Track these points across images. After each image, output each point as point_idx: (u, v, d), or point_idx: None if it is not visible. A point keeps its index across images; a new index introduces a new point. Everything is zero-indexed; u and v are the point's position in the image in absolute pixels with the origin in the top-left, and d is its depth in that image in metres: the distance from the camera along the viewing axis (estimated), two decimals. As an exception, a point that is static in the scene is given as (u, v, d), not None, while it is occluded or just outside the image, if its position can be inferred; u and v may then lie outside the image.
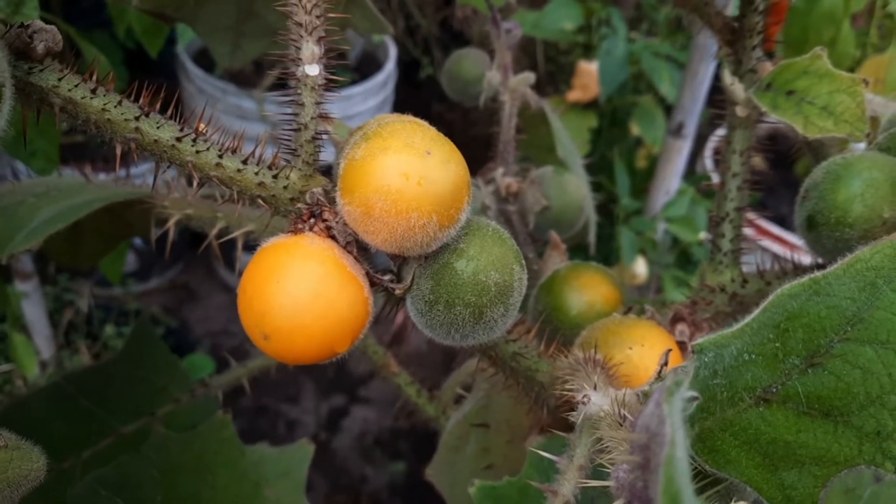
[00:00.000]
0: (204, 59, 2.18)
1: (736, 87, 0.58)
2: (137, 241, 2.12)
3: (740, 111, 0.58)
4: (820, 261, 0.55)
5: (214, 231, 0.58)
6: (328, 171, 0.46)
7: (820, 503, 0.31)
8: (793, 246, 1.96)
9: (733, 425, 0.32)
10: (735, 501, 0.30)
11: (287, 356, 0.41)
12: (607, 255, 1.73)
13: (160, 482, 0.63)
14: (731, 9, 0.67)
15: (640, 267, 1.57)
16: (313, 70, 0.43)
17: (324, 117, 0.44)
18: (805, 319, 0.31)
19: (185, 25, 1.72)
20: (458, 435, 0.65)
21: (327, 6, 0.44)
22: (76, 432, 0.70)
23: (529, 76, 0.81)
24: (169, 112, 0.41)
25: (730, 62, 0.61)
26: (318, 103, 0.44)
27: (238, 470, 0.62)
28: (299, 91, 0.43)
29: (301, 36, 0.43)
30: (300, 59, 0.43)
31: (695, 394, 0.27)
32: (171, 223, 0.60)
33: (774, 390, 0.32)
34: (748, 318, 0.32)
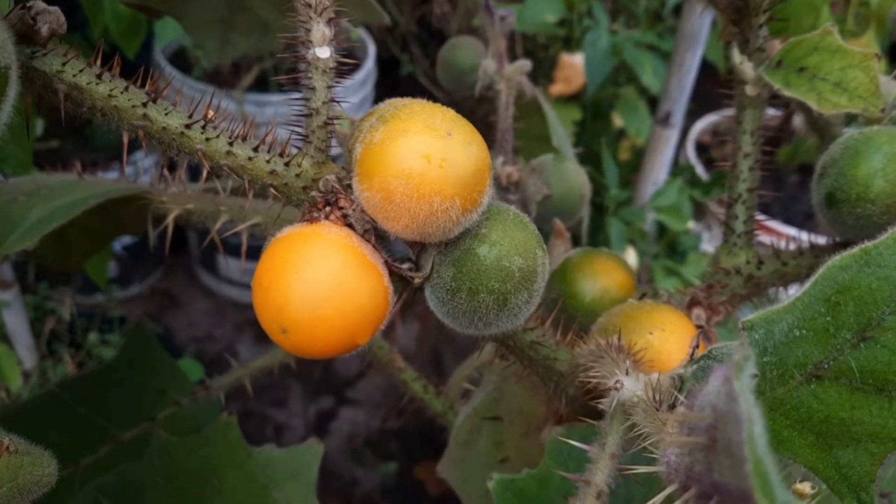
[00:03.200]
0: (180, 60, 2.15)
1: (745, 65, 0.57)
2: (117, 247, 2.08)
3: (750, 90, 0.57)
4: (838, 239, 0.54)
5: (218, 225, 0.56)
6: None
7: (878, 481, 0.30)
8: (778, 233, 1.97)
9: (784, 404, 0.31)
10: (800, 482, 0.29)
11: (307, 350, 0.40)
12: (596, 246, 1.72)
13: (164, 488, 0.61)
14: None
15: (630, 257, 1.56)
16: (324, 52, 0.41)
17: (336, 101, 0.42)
18: (856, 292, 0.30)
19: (163, 26, 1.69)
20: (470, 429, 0.63)
21: (335, -13, 0.42)
22: (74, 440, 0.68)
23: (526, 64, 0.80)
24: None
25: (736, 41, 0.60)
26: (329, 87, 0.42)
27: (245, 473, 0.60)
28: (310, 75, 0.42)
29: (311, 17, 0.41)
30: (310, 41, 0.41)
31: (756, 372, 0.26)
32: (170, 218, 0.58)
33: (826, 366, 0.31)
34: (799, 292, 0.31)
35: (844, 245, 0.54)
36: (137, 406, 0.69)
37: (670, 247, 1.79)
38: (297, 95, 0.42)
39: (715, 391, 0.25)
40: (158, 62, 2.08)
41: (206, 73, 2.10)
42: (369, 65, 2.20)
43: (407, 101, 0.45)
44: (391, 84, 2.65)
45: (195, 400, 0.69)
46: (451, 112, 0.40)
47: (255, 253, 0.64)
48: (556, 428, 0.55)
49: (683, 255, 1.79)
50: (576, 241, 1.09)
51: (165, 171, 0.59)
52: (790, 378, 0.31)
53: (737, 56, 0.58)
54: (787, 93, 0.54)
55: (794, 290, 0.58)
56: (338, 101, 0.43)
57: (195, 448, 0.61)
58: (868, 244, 0.31)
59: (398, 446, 2.17)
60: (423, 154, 0.37)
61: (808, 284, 0.31)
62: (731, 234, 0.58)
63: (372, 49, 2.26)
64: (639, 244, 1.62)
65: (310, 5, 0.41)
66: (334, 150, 0.47)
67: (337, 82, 0.42)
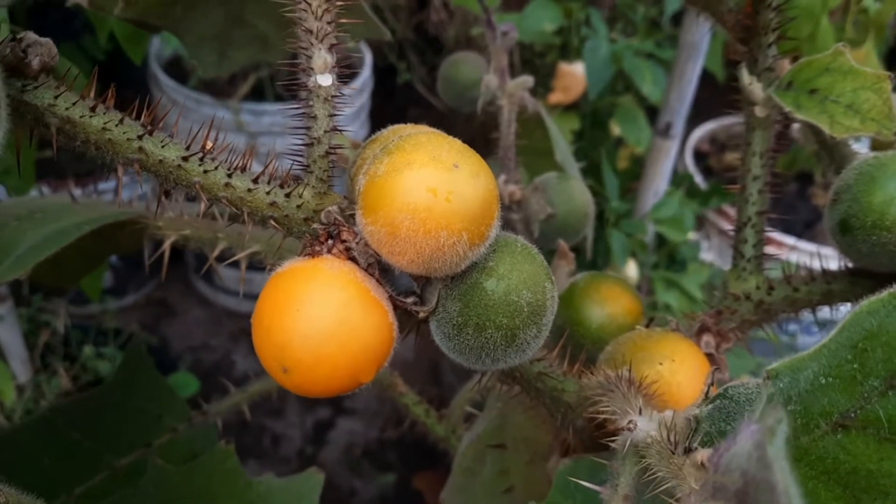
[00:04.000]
0: (176, 70, 2.13)
1: (754, 86, 0.56)
2: (112, 257, 2.07)
3: (759, 111, 0.56)
4: (851, 265, 0.53)
5: (216, 253, 0.55)
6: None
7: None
8: (777, 243, 1.96)
9: (809, 454, 0.30)
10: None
11: (309, 389, 0.38)
12: (594, 258, 1.71)
13: (160, 518, 0.59)
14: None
15: (631, 270, 1.55)
16: (326, 80, 0.40)
17: (338, 130, 0.41)
18: (884, 338, 0.29)
19: (169, 36, 1.67)
20: (473, 457, 0.62)
21: (338, 11, 0.41)
22: (67, 467, 0.66)
23: (528, 79, 0.79)
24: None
25: (745, 61, 0.58)
26: (331, 115, 0.41)
27: (244, 503, 0.59)
28: (311, 103, 0.40)
29: (312, 43, 0.40)
30: (311, 68, 0.40)
31: (787, 430, 0.25)
32: (166, 245, 0.56)
33: (853, 415, 0.30)
34: (825, 339, 0.30)
35: (857, 272, 0.53)
36: (133, 432, 0.67)
37: (670, 257, 1.78)
38: (298, 123, 0.41)
39: (745, 454, 0.23)
40: (154, 72, 2.06)
41: (201, 82, 2.09)
42: (366, 73, 2.19)
43: (411, 128, 0.44)
44: (388, 92, 2.64)
45: (192, 426, 0.67)
46: (457, 142, 0.39)
47: (252, 264, 0.63)
48: (563, 459, 0.53)
49: (683, 265, 1.78)
50: (579, 255, 1.07)
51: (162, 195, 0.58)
52: (815, 427, 0.30)
53: (746, 77, 0.56)
54: (798, 115, 0.52)
55: (805, 316, 0.57)
56: (341, 130, 0.41)
57: (192, 476, 0.60)
58: (896, 288, 0.29)
59: (396, 457, 2.15)
60: (430, 187, 0.36)
61: (834, 331, 0.29)
62: (740, 258, 0.56)
63: (368, 57, 2.25)
64: (638, 255, 1.61)
65: (311, 31, 0.40)
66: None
67: (339, 111, 0.41)
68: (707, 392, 0.39)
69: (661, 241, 1.77)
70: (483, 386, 0.59)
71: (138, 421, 0.68)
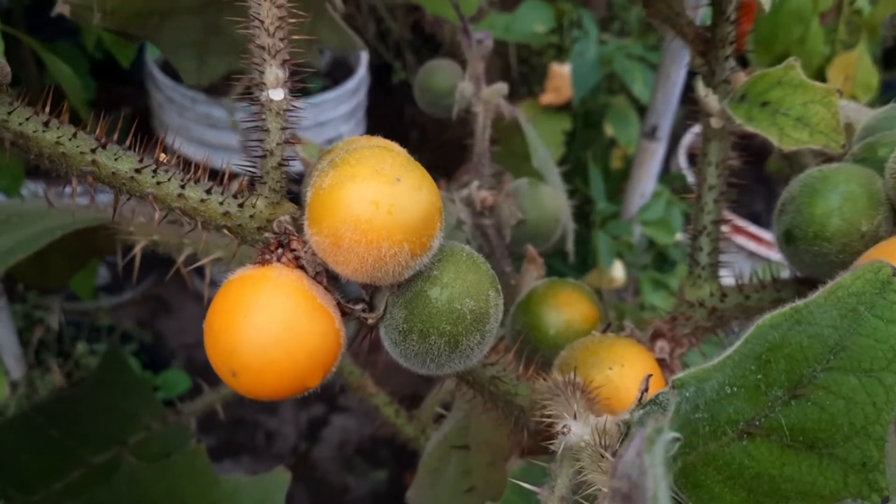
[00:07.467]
0: (172, 68, 2.15)
1: (710, 98, 0.57)
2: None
3: (715, 123, 0.57)
4: (799, 274, 0.54)
5: (182, 258, 0.57)
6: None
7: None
8: (769, 243, 1.96)
9: (716, 459, 0.31)
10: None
11: (256, 393, 0.40)
12: (584, 258, 1.73)
13: (132, 515, 0.61)
14: (701, 18, 0.66)
15: (618, 271, 1.57)
16: (278, 95, 0.42)
17: (290, 142, 0.42)
18: (787, 350, 0.30)
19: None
20: (439, 457, 0.63)
21: (292, 26, 0.42)
22: (46, 464, 0.68)
23: (502, 87, 0.80)
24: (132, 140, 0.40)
25: (703, 73, 0.60)
26: (283, 128, 0.42)
27: (212, 501, 0.60)
28: (264, 116, 0.42)
29: (264, 59, 0.41)
30: (264, 83, 0.42)
31: (677, 435, 0.26)
32: (137, 249, 0.58)
33: (758, 423, 0.31)
34: (729, 350, 0.31)
35: (804, 281, 0.54)
36: (109, 430, 0.69)
37: (660, 257, 1.80)
38: (254, 136, 0.43)
39: (630, 461, 0.25)
40: (151, 70, 2.08)
41: (198, 80, 2.10)
42: (361, 72, 2.20)
43: (364, 140, 0.46)
44: (383, 90, 2.65)
45: (166, 424, 0.69)
46: (401, 156, 0.40)
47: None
48: (518, 460, 0.55)
49: (673, 265, 1.79)
50: (563, 257, 1.08)
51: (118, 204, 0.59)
52: (722, 434, 0.31)
53: (701, 88, 0.58)
54: (749, 127, 0.54)
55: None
56: (293, 142, 0.43)
57: (163, 475, 0.61)
58: (798, 303, 0.31)
59: (389, 454, 2.17)
60: (372, 200, 0.37)
61: (738, 343, 0.31)
62: (695, 265, 0.58)
63: (364, 56, 2.26)
64: (626, 256, 1.63)
65: (263, 47, 0.41)
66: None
67: (291, 123, 0.42)
68: (641, 397, 0.41)
69: (650, 241, 1.78)
70: (447, 389, 0.60)
71: (115, 419, 0.69)
